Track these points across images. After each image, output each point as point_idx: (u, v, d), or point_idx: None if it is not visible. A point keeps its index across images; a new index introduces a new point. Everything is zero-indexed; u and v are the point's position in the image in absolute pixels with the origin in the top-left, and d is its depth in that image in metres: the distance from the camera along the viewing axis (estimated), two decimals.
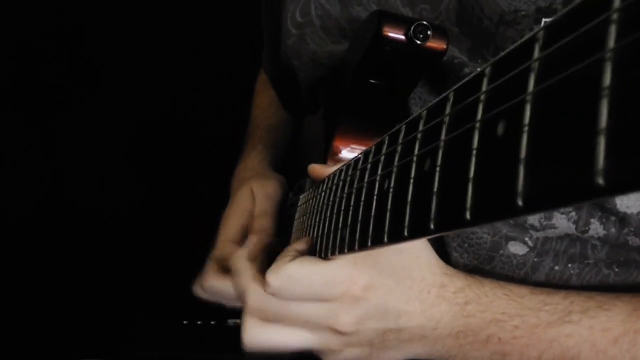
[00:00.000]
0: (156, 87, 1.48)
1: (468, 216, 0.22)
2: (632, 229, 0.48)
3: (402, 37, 0.47)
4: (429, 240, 0.53)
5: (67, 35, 1.50)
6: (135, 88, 1.48)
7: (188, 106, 1.52)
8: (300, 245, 0.48)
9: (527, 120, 0.19)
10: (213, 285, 0.63)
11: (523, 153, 0.19)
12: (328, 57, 0.64)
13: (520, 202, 0.19)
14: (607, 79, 0.15)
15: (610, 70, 0.15)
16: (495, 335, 0.46)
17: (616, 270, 0.50)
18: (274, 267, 0.44)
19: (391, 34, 0.48)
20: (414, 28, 0.46)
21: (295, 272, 0.44)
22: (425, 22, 0.46)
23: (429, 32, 0.46)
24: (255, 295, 0.47)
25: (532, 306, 0.47)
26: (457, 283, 0.48)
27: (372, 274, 0.44)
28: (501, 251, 0.51)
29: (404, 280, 0.46)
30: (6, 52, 1.46)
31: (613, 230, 0.49)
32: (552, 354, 0.46)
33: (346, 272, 0.44)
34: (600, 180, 0.15)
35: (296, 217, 0.62)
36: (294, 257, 0.45)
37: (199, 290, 0.66)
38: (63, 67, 1.51)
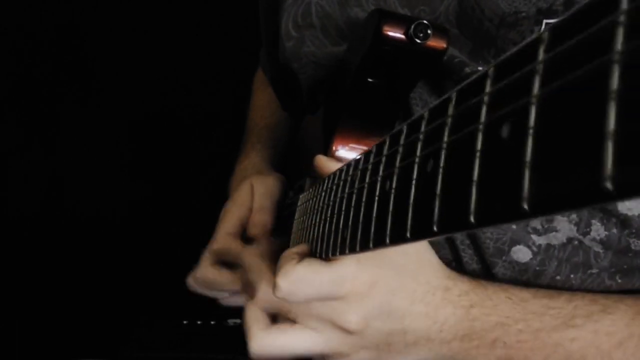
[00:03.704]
0: (154, 88, 1.48)
1: (472, 219, 0.22)
2: (633, 231, 0.48)
3: (402, 36, 0.47)
4: (442, 243, 0.53)
5: (65, 36, 1.50)
6: (133, 88, 1.48)
7: (186, 106, 1.52)
8: (299, 248, 0.48)
9: (532, 122, 0.18)
10: (208, 277, 0.64)
11: (529, 156, 0.18)
12: (328, 59, 0.64)
13: (525, 206, 0.18)
14: (614, 82, 0.15)
15: (618, 73, 0.15)
16: (500, 339, 0.46)
17: (619, 281, 0.50)
18: (282, 270, 0.44)
19: (391, 33, 0.47)
20: (414, 27, 0.46)
21: (304, 274, 0.44)
22: (425, 21, 0.46)
23: (429, 31, 0.46)
24: (265, 296, 0.49)
25: (536, 310, 0.47)
26: (461, 286, 0.48)
27: (376, 272, 0.45)
28: (504, 257, 0.51)
29: (408, 282, 0.46)
30: (4, 53, 1.46)
31: (614, 231, 0.48)
32: (557, 358, 0.46)
33: (351, 270, 0.44)
34: (609, 185, 0.15)
35: (296, 216, 0.62)
36: (298, 260, 0.45)
37: (191, 282, 0.66)
38: (61, 67, 1.51)
